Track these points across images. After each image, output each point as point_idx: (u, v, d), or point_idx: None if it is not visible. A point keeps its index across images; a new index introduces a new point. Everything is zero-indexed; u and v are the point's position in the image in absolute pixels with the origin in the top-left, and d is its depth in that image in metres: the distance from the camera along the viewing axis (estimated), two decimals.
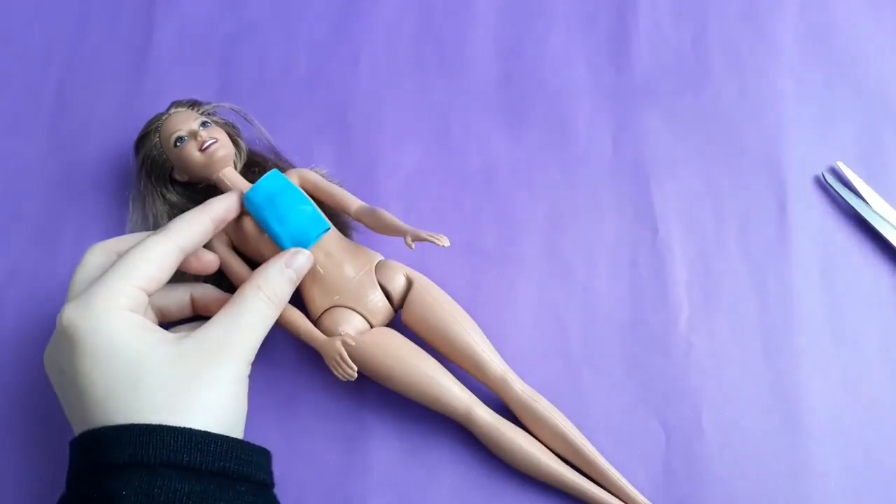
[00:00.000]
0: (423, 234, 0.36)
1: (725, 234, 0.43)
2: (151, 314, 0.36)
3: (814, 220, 0.43)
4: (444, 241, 0.36)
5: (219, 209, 0.36)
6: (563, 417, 0.37)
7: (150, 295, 0.32)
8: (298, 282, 0.36)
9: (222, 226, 0.37)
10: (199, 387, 0.30)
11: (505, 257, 0.43)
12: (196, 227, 0.34)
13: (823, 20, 0.48)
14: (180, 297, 0.37)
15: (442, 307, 0.38)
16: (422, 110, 0.46)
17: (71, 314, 0.30)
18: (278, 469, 0.33)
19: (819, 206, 0.43)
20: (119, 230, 0.43)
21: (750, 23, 0.48)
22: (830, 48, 0.47)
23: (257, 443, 0.31)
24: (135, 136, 0.41)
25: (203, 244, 0.36)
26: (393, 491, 0.38)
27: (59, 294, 0.41)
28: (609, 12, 0.48)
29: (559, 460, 0.37)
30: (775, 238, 0.43)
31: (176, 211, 0.41)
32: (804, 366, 0.40)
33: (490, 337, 0.38)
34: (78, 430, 0.31)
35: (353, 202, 0.40)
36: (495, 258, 0.42)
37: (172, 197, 0.41)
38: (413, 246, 0.36)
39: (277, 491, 0.32)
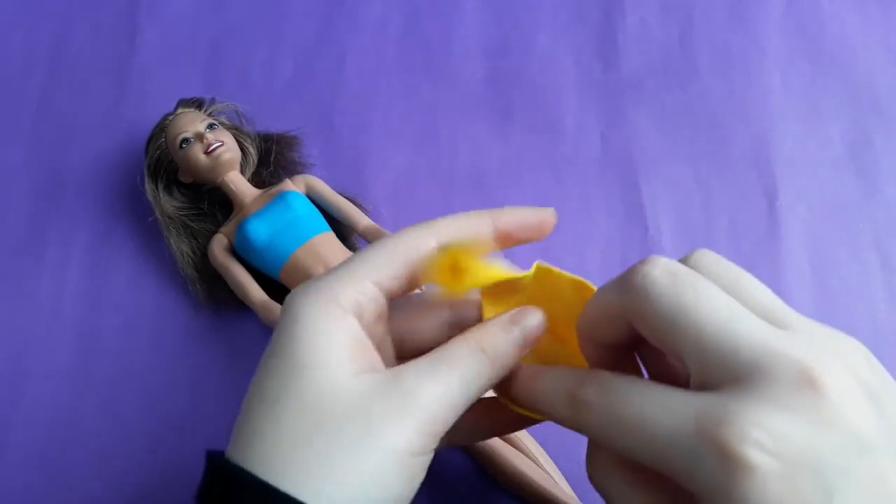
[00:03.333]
0: None
1: (715, 230, 0.43)
2: (381, 328, 0.26)
3: (803, 215, 0.43)
4: None
5: (507, 220, 0.29)
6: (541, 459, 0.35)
7: (392, 297, 0.26)
8: (526, 348, 0.26)
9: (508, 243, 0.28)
10: (352, 456, 0.22)
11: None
12: (466, 225, 0.27)
13: (809, 15, 0.48)
14: (432, 326, 0.27)
15: None
16: (409, 110, 0.46)
17: (292, 295, 0.24)
18: None
19: (808, 202, 0.43)
20: (105, 237, 0.42)
21: (736, 18, 0.48)
22: (817, 43, 0.47)
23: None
24: (119, 141, 0.41)
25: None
26: None
27: (47, 299, 0.41)
28: (595, 9, 0.48)
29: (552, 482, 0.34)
30: (765, 234, 0.43)
31: (180, 213, 0.40)
32: None
33: None
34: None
35: (362, 219, 0.40)
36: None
37: (175, 200, 0.41)
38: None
39: None
